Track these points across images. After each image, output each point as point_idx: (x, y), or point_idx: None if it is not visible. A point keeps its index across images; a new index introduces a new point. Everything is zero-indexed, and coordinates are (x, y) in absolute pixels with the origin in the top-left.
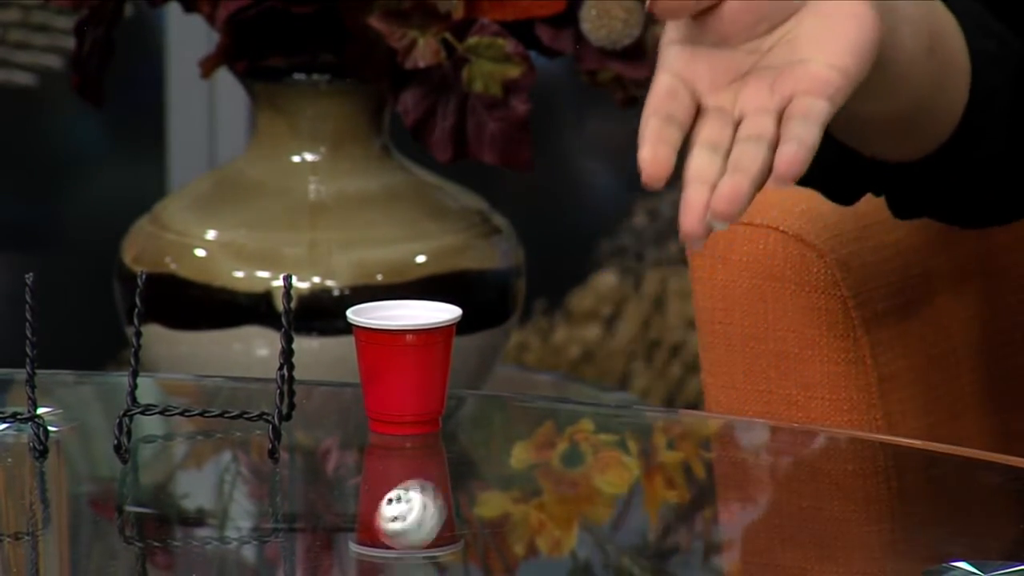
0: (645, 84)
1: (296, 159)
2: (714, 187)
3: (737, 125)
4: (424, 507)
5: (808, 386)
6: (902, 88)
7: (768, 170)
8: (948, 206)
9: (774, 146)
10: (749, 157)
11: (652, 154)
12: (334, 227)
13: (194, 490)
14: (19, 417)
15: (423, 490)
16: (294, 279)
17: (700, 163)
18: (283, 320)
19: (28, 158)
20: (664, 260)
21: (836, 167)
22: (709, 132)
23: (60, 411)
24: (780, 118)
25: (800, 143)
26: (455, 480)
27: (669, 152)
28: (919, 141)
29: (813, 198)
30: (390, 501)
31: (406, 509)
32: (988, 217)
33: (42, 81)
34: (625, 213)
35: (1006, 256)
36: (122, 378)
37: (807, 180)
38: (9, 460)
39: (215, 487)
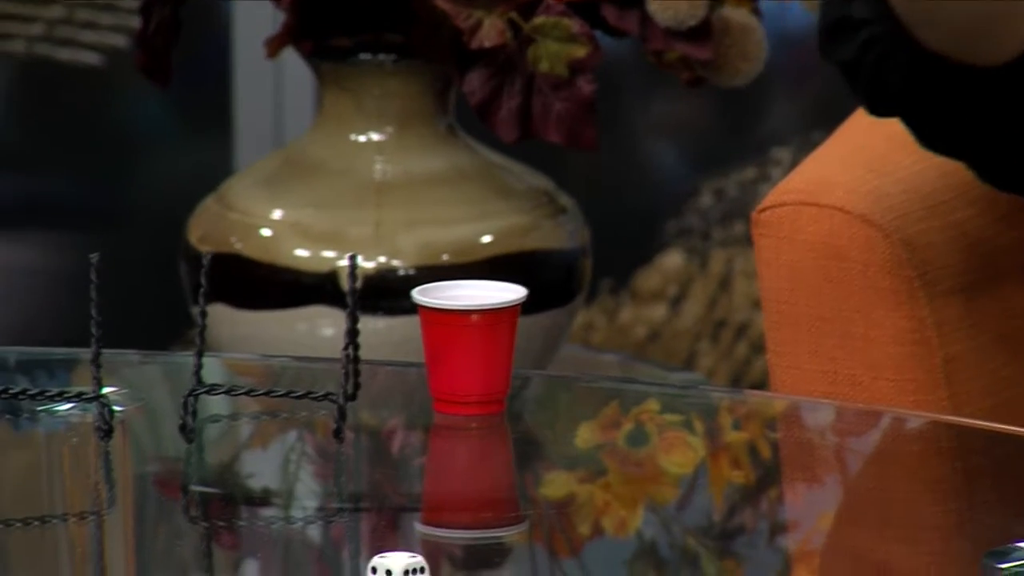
0: (710, 64)
1: (362, 139)
2: None
3: None
4: None
5: (874, 366)
6: None
7: None
8: None
9: None
10: None
11: None
12: (400, 207)
13: (259, 470)
14: (84, 397)
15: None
16: (359, 259)
17: None
18: (348, 300)
19: (94, 138)
20: (730, 240)
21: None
22: None
23: (125, 391)
24: None
25: None
26: (520, 460)
27: None
28: None
29: (879, 178)
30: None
31: None
32: None
33: (108, 61)
34: (691, 193)
35: None
36: (187, 358)
37: (965, 154)
38: (74, 440)
39: (280, 467)
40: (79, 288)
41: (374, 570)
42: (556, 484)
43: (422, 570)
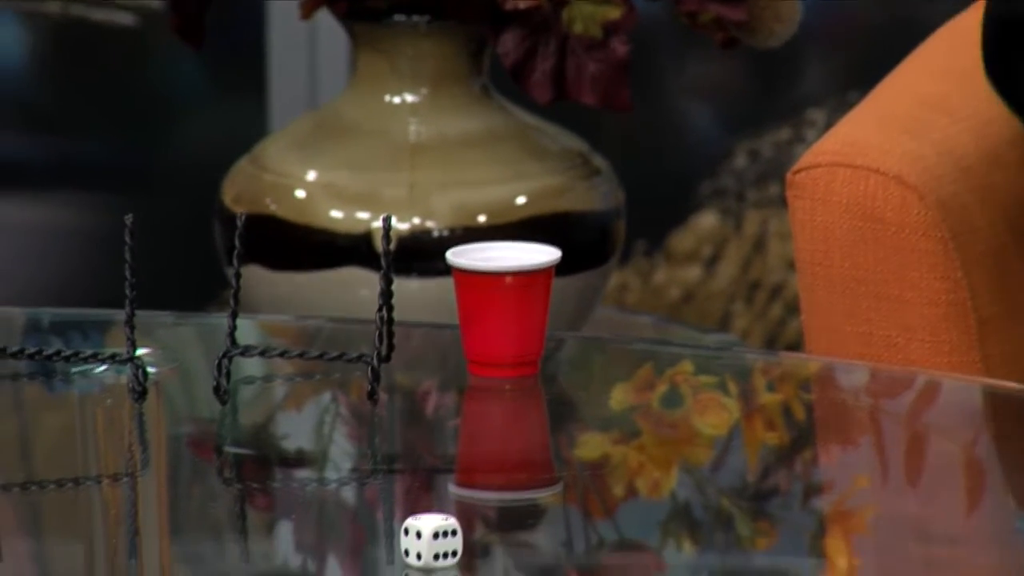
0: (744, 26)
1: (396, 100)
2: None
3: None
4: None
5: (908, 328)
6: None
7: None
8: None
9: None
10: None
11: None
12: (434, 168)
13: (293, 431)
14: (118, 358)
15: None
16: (394, 220)
17: None
18: (383, 261)
19: (128, 99)
20: (764, 201)
21: None
22: None
23: (159, 352)
24: None
25: None
26: (554, 422)
27: None
28: None
29: (914, 140)
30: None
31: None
32: None
33: (143, 21)
34: (725, 154)
35: None
36: (221, 319)
37: None
38: (108, 401)
39: (314, 429)
40: (113, 249)
41: (406, 531)
42: (590, 446)
43: (453, 532)
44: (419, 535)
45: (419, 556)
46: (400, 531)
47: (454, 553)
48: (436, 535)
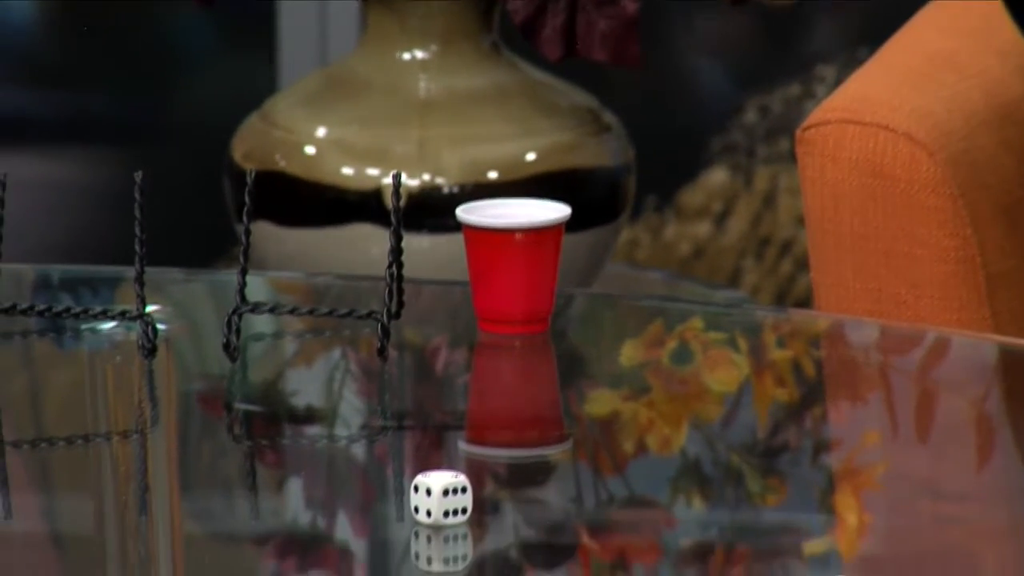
0: None
1: (406, 57)
2: None
3: None
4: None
5: (917, 285)
6: None
7: None
8: None
9: None
10: None
11: None
12: (444, 124)
13: (303, 388)
14: (128, 315)
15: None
16: (404, 177)
17: None
18: (392, 218)
19: (139, 55)
20: (775, 157)
21: None
22: None
23: (169, 309)
24: None
25: None
26: (564, 378)
27: None
28: None
29: (923, 96)
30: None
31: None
32: None
33: None
34: (735, 110)
35: None
36: (231, 276)
37: None
38: (118, 358)
39: (324, 385)
40: (123, 206)
41: (416, 488)
42: (600, 402)
43: (463, 489)
44: (429, 492)
45: (429, 513)
46: (410, 488)
47: (464, 510)
48: (446, 492)
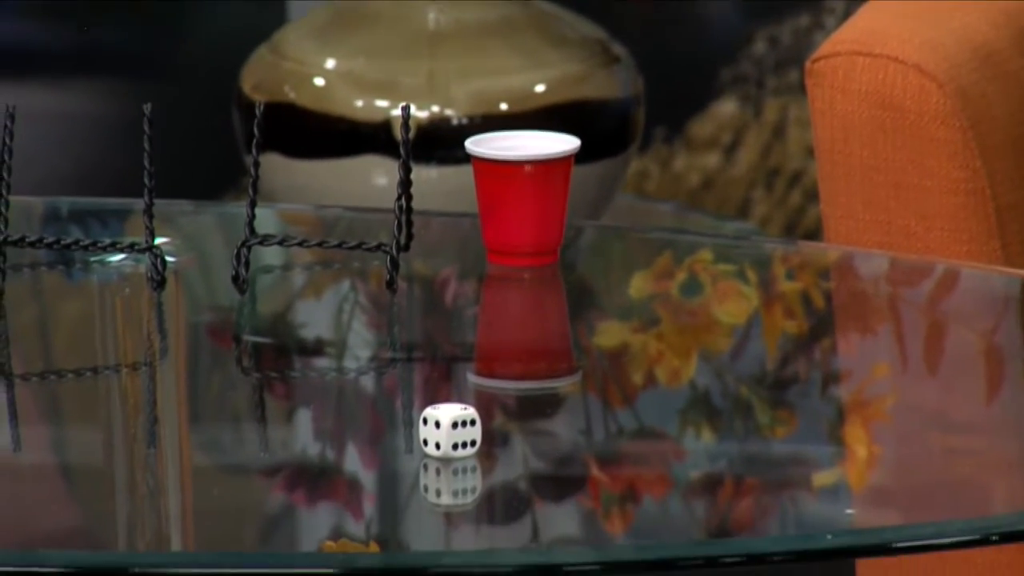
0: None
1: None
2: None
3: None
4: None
5: (927, 216)
6: None
7: None
8: None
9: None
10: None
11: None
12: (453, 56)
13: (312, 320)
14: (137, 247)
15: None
16: (413, 108)
17: None
18: (401, 150)
19: None
20: (784, 88)
21: None
22: None
23: (178, 241)
24: None
25: None
26: (573, 311)
27: None
28: None
29: (933, 28)
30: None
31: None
32: None
33: None
34: (745, 40)
35: None
36: (240, 208)
37: None
38: (127, 290)
39: (333, 317)
40: (132, 137)
41: (425, 421)
42: (609, 334)
43: (472, 422)
44: (438, 425)
45: (438, 446)
46: (419, 421)
47: (473, 443)
48: (455, 425)
